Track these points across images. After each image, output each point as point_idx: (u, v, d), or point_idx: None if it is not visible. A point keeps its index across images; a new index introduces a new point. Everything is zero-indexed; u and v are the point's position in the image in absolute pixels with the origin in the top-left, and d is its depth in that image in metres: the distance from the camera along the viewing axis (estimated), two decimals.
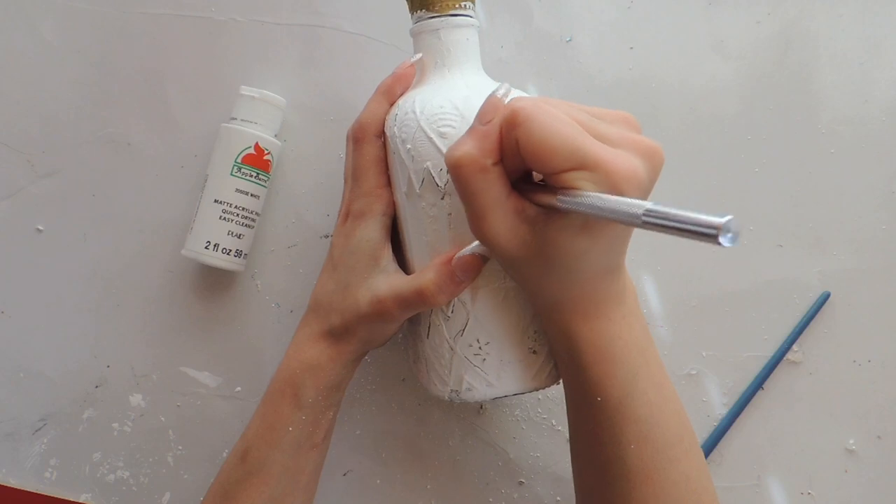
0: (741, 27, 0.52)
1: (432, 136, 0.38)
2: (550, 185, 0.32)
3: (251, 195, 0.50)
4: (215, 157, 0.50)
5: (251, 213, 0.51)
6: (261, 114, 0.51)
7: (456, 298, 0.40)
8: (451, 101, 0.39)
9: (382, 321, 0.41)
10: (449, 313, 0.40)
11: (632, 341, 0.36)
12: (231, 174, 0.50)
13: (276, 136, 0.52)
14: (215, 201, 0.49)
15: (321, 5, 0.54)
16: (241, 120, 0.51)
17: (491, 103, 0.33)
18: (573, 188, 0.30)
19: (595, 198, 0.29)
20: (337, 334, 0.42)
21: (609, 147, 0.31)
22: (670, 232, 0.25)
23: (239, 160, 0.50)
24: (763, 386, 0.50)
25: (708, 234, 0.24)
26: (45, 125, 0.55)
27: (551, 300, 0.35)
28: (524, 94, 0.38)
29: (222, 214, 0.49)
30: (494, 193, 0.33)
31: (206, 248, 0.49)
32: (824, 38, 0.52)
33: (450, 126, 0.38)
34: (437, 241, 0.39)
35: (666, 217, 0.25)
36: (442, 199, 0.38)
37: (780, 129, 0.52)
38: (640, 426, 0.36)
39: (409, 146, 0.39)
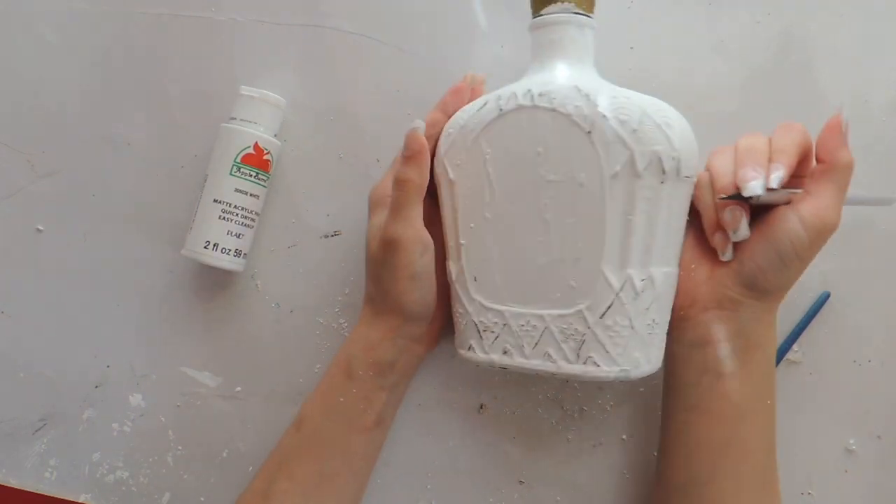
0: (741, 27, 0.52)
1: (660, 123, 0.40)
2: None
3: (251, 195, 0.50)
4: (215, 156, 0.50)
5: (251, 212, 0.51)
6: (260, 114, 0.51)
7: (647, 278, 0.41)
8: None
9: (390, 248, 0.43)
10: (639, 291, 0.41)
11: None
12: (230, 174, 0.50)
13: (275, 136, 0.52)
14: (215, 201, 0.49)
15: (321, 5, 0.54)
16: (241, 120, 0.51)
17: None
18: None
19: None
20: (377, 305, 0.45)
21: None
22: None
23: (238, 160, 0.50)
24: None
25: None
26: (45, 125, 0.55)
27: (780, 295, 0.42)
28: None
29: (222, 214, 0.49)
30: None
31: (205, 247, 0.49)
32: (824, 38, 0.52)
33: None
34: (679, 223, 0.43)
35: None
36: (662, 183, 0.40)
37: None
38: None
39: (635, 128, 0.40)
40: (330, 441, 0.45)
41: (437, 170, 0.45)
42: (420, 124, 0.43)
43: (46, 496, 0.53)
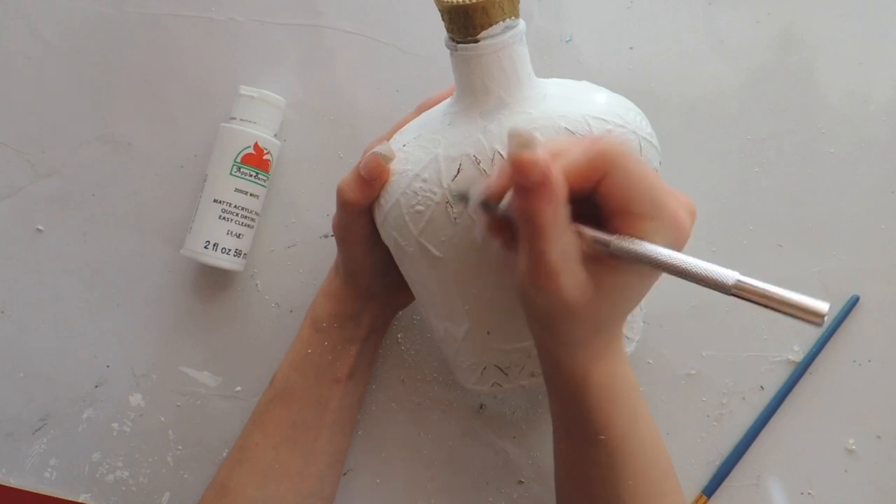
0: (741, 27, 0.52)
1: (650, 139, 0.38)
2: (615, 227, 0.30)
3: (250, 195, 0.50)
4: (215, 156, 0.50)
5: (251, 212, 0.51)
6: (260, 113, 0.51)
7: None
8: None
9: (339, 242, 0.44)
10: None
11: (631, 380, 0.37)
12: (230, 174, 0.50)
13: (275, 135, 0.52)
14: (215, 201, 0.49)
15: (321, 5, 0.54)
16: (241, 120, 0.51)
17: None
18: (646, 238, 0.30)
19: (684, 258, 0.29)
20: (338, 267, 0.47)
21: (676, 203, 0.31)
22: (761, 306, 0.27)
23: (238, 160, 0.50)
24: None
25: (808, 319, 0.25)
26: (45, 125, 0.55)
27: (573, 341, 0.34)
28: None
29: (222, 214, 0.49)
30: (559, 227, 0.30)
31: (205, 247, 0.49)
32: (824, 38, 0.52)
33: None
34: None
35: (760, 294, 0.27)
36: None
37: (780, 129, 0.51)
38: (638, 463, 0.36)
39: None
40: (300, 392, 0.46)
41: (408, 248, 0.39)
42: (386, 149, 0.38)
43: (46, 496, 0.53)
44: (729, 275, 0.27)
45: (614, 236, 0.30)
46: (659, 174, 0.34)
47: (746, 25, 0.52)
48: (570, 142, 0.32)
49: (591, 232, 0.31)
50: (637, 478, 0.36)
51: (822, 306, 0.25)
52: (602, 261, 0.31)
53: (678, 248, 0.30)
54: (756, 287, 0.27)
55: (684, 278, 0.29)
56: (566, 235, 0.30)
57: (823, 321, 0.25)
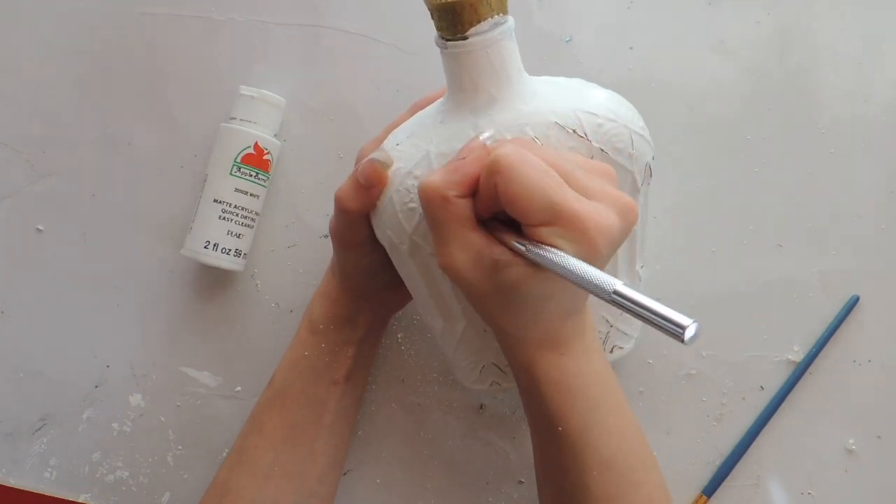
0: (741, 27, 0.52)
1: (641, 133, 0.38)
2: (525, 233, 0.32)
3: (250, 195, 0.50)
4: (215, 156, 0.50)
5: (251, 212, 0.51)
6: (260, 113, 0.51)
7: (643, 263, 0.43)
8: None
9: (336, 245, 0.44)
10: (641, 276, 0.44)
11: (591, 374, 0.37)
12: (230, 174, 0.50)
13: (275, 135, 0.52)
14: (215, 201, 0.49)
15: (321, 5, 0.54)
16: (241, 120, 0.51)
17: (473, 142, 0.34)
18: (546, 243, 0.31)
19: (568, 262, 0.30)
20: (334, 269, 0.47)
21: (586, 200, 0.32)
22: (635, 316, 0.28)
23: (238, 160, 0.50)
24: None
25: (673, 332, 0.26)
26: (45, 125, 0.55)
27: (511, 335, 0.36)
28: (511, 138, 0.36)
29: (222, 214, 0.49)
30: (456, 225, 0.33)
31: (205, 247, 0.49)
32: (824, 38, 0.52)
33: None
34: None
35: (634, 303, 0.28)
36: None
37: (780, 129, 0.51)
38: (602, 453, 0.37)
39: (631, 153, 0.38)
40: (298, 394, 0.46)
41: (402, 246, 0.38)
42: (384, 155, 0.38)
43: (46, 496, 0.53)
44: (609, 284, 0.29)
45: (510, 237, 0.32)
46: (566, 171, 0.34)
47: (746, 25, 0.52)
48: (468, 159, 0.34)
49: (501, 235, 0.33)
50: (603, 468, 0.36)
51: (685, 320, 0.26)
52: (508, 262, 0.33)
53: (594, 246, 0.31)
54: (631, 297, 0.28)
55: (572, 282, 0.30)
56: (468, 231, 0.33)
57: (684, 337, 0.26)
